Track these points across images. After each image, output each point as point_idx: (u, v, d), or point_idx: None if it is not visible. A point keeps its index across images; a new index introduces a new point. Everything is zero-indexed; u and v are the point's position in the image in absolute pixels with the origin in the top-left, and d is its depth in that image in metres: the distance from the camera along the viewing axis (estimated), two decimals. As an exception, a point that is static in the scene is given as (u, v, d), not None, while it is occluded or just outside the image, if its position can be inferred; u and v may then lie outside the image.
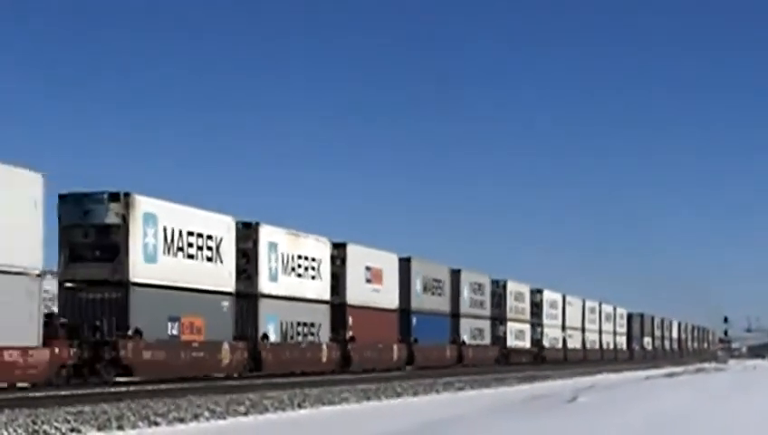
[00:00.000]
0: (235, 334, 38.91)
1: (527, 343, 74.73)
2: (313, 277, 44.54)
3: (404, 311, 52.35)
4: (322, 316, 45.29)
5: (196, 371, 36.33)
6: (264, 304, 40.93)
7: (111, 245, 33.29)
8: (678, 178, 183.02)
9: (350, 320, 47.55)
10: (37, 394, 26.44)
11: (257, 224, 41.24)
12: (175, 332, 35.14)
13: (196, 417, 23.82)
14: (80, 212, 33.31)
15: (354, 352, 47.30)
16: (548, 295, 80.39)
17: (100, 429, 20.79)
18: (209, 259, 37.88)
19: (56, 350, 30.27)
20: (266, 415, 25.89)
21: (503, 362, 67.00)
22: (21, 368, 28.61)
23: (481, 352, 64.99)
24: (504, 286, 70.70)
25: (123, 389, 29.68)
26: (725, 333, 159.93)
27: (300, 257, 43.31)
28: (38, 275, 29.26)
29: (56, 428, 20.19)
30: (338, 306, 46.73)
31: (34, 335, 29.24)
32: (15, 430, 19.52)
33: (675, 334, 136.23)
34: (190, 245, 36.81)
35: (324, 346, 45.17)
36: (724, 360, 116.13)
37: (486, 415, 26.49)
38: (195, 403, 25.86)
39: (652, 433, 21.68)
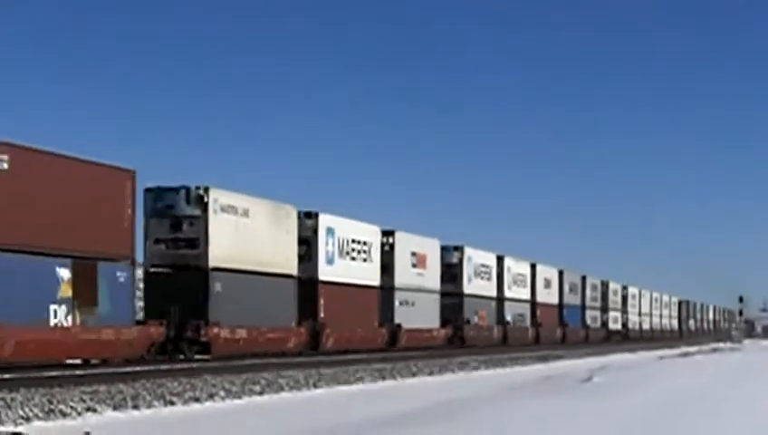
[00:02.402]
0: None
1: (619, 326, 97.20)
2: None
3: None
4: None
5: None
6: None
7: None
8: (687, 160, 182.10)
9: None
10: (53, 373, 26.72)
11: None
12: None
13: (211, 396, 24.08)
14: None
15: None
16: (631, 290, 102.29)
17: (115, 408, 21.04)
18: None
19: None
20: (282, 394, 26.23)
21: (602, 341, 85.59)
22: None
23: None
24: (607, 285, 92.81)
25: (138, 368, 29.94)
26: (740, 312, 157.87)
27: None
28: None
29: (72, 407, 20.40)
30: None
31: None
32: (32, 410, 19.68)
33: (711, 316, 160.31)
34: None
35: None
36: (739, 340, 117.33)
37: (500, 395, 26.98)
38: (210, 383, 26.17)
39: (662, 413, 22.07)
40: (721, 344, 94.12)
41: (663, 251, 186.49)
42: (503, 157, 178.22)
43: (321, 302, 43.96)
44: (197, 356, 36.23)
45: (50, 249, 29.51)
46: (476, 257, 62.45)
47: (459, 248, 60.27)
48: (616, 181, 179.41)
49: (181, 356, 35.57)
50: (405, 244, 52.64)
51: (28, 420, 18.96)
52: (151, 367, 30.44)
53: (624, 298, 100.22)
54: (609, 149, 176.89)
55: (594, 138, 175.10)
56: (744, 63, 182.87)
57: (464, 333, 58.95)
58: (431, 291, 55.74)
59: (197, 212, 37.12)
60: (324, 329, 43.87)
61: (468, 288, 60.79)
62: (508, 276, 67.66)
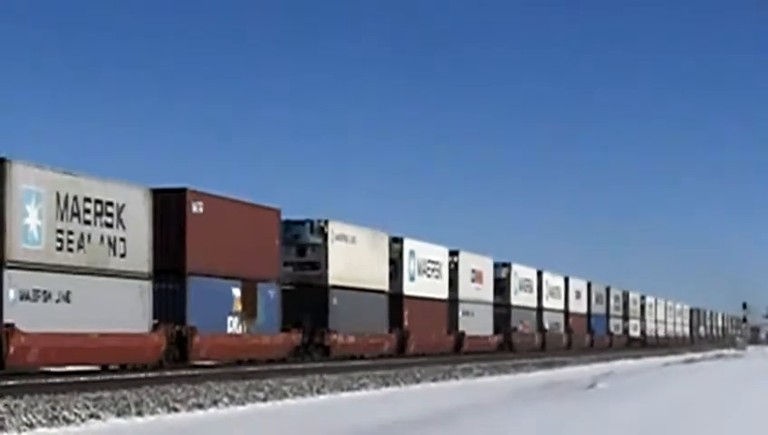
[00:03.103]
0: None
1: (638, 333, 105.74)
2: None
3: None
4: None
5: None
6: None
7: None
8: (692, 172, 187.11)
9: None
10: (56, 380, 26.90)
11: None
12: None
13: (215, 403, 24.22)
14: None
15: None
16: (648, 300, 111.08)
17: (119, 414, 21.08)
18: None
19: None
20: (285, 401, 26.46)
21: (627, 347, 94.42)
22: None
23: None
24: (628, 295, 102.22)
25: (142, 375, 30.34)
26: (744, 319, 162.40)
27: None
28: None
29: (75, 413, 20.42)
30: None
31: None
32: (35, 416, 19.65)
33: (719, 323, 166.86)
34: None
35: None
36: (743, 346, 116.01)
37: (504, 401, 27.21)
38: (214, 389, 26.26)
39: (664, 420, 22.05)
40: (725, 351, 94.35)
41: (675, 260, 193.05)
42: (540, 176, 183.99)
43: (406, 313, 52.38)
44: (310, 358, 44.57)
45: (228, 274, 37.91)
46: (521, 273, 70.94)
47: (507, 265, 68.79)
48: (630, 197, 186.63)
49: (309, 358, 43.89)
50: (466, 262, 61.10)
51: (32, 426, 19.17)
52: (156, 373, 31.23)
53: (642, 307, 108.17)
54: (620, 162, 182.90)
55: (603, 152, 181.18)
56: (757, 66, 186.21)
57: (512, 340, 67.33)
58: (486, 303, 64.23)
59: (319, 241, 45.53)
60: (409, 335, 52.28)
61: (515, 300, 69.31)
62: (546, 289, 76.09)
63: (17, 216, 28.53)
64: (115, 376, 29.35)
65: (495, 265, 67.11)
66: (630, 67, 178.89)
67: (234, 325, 38.26)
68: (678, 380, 38.24)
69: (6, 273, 27.97)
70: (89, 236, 31.03)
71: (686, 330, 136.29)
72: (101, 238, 31.55)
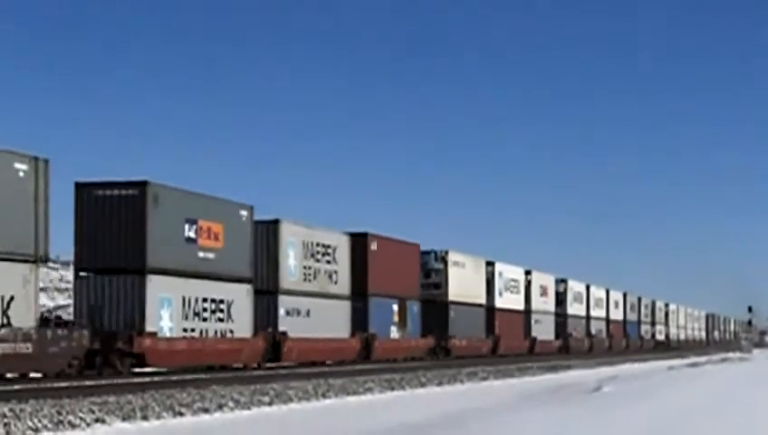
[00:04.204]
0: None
1: (663, 337, 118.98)
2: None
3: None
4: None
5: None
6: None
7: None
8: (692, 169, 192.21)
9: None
10: (62, 384, 27.00)
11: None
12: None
13: (220, 407, 24.26)
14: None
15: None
16: (671, 307, 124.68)
17: (124, 419, 21.13)
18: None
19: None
20: (290, 405, 26.46)
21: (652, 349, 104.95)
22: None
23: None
24: (654, 303, 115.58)
25: (148, 379, 30.51)
26: (750, 322, 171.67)
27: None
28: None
29: (81, 418, 20.49)
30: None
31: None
32: (41, 420, 19.69)
33: (731, 328, 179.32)
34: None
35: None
36: (749, 350, 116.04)
37: (509, 405, 27.33)
38: (219, 394, 26.24)
39: (667, 423, 21.88)
40: (730, 354, 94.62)
41: (690, 268, 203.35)
42: (563, 188, 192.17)
43: (497, 322, 65.67)
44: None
45: (390, 294, 51.15)
46: (574, 287, 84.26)
47: (564, 281, 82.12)
48: (646, 211, 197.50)
49: (436, 358, 57.09)
50: (536, 280, 74.44)
51: (37, 431, 19.25)
52: (161, 378, 31.66)
53: (666, 314, 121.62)
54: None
55: (622, 164, 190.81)
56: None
57: (569, 343, 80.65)
58: (550, 313, 77.59)
59: (441, 267, 58.80)
60: (499, 340, 65.60)
61: (570, 310, 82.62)
62: (592, 300, 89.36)
63: (284, 258, 41.82)
64: (120, 380, 29.46)
65: (556, 281, 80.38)
66: (640, 70, 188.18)
67: (394, 332, 51.54)
68: (683, 383, 37.73)
69: (280, 297, 41.23)
70: (318, 270, 44.32)
71: (703, 334, 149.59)
72: (325, 271, 44.83)
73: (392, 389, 33.01)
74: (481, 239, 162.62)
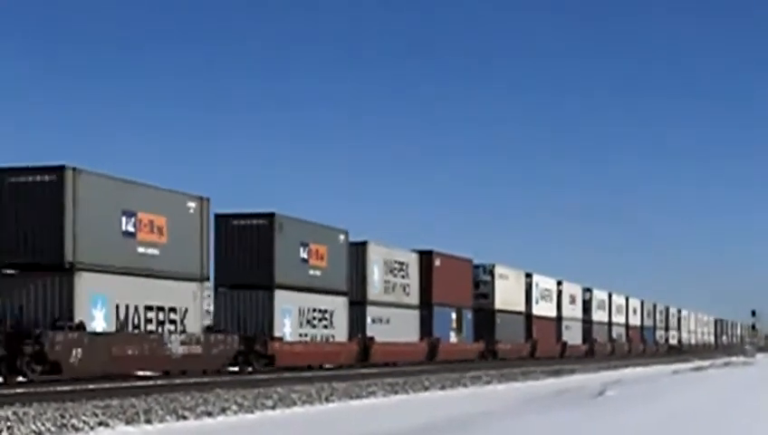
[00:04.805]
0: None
1: (676, 341, 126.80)
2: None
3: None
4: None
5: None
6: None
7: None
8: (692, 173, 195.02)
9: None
10: (65, 388, 27.20)
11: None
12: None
13: (223, 411, 24.28)
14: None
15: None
16: (683, 313, 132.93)
17: (128, 422, 21.15)
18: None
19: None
20: (294, 409, 26.40)
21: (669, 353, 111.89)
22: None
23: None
24: (668, 309, 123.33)
25: (151, 383, 30.83)
26: (753, 326, 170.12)
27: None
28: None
29: (84, 421, 20.50)
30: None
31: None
32: (44, 424, 19.73)
33: (738, 332, 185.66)
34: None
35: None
36: (752, 354, 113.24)
37: (512, 409, 27.18)
38: (222, 397, 26.37)
39: (672, 428, 21.64)
40: (734, 359, 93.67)
41: (699, 274, 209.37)
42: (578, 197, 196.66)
43: (535, 328, 72.88)
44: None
45: (449, 303, 58.35)
46: (598, 295, 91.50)
47: (589, 290, 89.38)
48: (656, 220, 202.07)
49: (485, 360, 64.25)
50: (567, 289, 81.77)
51: (40, 434, 19.33)
52: (164, 381, 31.86)
53: (679, 320, 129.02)
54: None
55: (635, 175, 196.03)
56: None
57: (594, 347, 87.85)
58: (578, 319, 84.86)
59: (488, 279, 66.05)
60: (536, 344, 72.90)
61: (594, 316, 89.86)
62: (614, 307, 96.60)
63: (370, 274, 49.04)
64: (123, 384, 29.64)
65: (582, 290, 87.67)
66: (640, 74, 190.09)
67: (452, 337, 58.76)
68: (686, 387, 37.87)
69: (368, 308, 48.47)
70: (395, 284, 51.54)
71: (712, 338, 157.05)
72: (400, 285, 52.07)
73: (395, 393, 33.13)
74: (516, 250, 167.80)
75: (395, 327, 50.91)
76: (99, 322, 31.35)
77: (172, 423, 21.90)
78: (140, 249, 33.26)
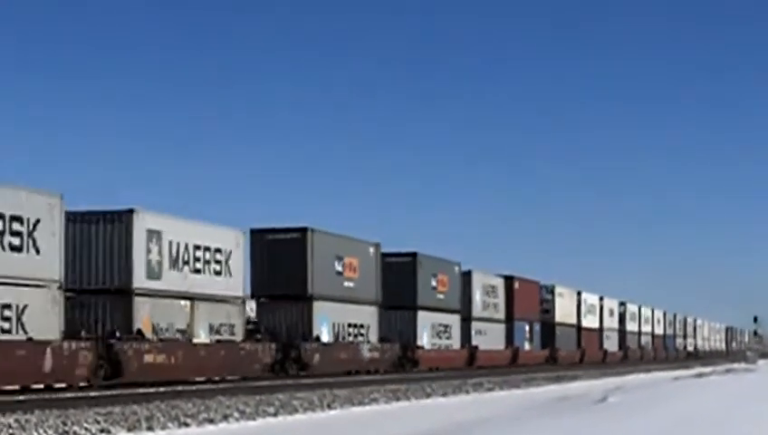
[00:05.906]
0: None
1: (692, 348, 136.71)
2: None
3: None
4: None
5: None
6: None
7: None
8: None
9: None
10: (67, 395, 27.39)
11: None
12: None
13: (225, 418, 24.30)
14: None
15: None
16: (697, 321, 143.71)
17: (129, 429, 21.19)
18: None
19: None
20: (295, 416, 26.36)
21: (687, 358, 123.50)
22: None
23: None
24: (686, 318, 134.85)
25: (152, 390, 30.75)
26: (755, 332, 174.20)
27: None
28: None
29: (86, 428, 20.54)
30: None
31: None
32: (46, 431, 19.79)
33: (746, 339, 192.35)
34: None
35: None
36: (754, 360, 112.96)
37: (514, 416, 27.14)
38: (224, 404, 26.34)
39: (675, 433, 21.62)
40: (735, 365, 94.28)
41: (710, 283, 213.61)
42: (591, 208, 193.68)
43: (583, 338, 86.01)
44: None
45: (524, 317, 71.50)
46: (631, 308, 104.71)
47: (624, 304, 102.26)
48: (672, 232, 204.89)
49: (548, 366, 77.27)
50: (606, 304, 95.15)
51: None
52: (167, 388, 31.70)
53: (694, 328, 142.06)
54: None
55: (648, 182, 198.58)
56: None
57: (627, 354, 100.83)
58: (615, 330, 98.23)
59: (550, 297, 79.30)
60: (585, 352, 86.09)
61: (628, 327, 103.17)
62: (643, 319, 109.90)
63: (474, 295, 62.23)
64: (125, 391, 29.76)
65: (618, 304, 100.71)
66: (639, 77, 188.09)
67: (527, 346, 72.05)
68: (688, 394, 37.99)
69: (472, 323, 61.65)
70: (489, 303, 64.74)
71: (723, 345, 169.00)
72: (492, 303, 65.26)
73: (397, 399, 33.32)
74: (534, 262, 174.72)
75: (490, 338, 64.10)
76: (324, 336, 44.51)
77: (174, 430, 22.06)
78: (345, 283, 46.45)
